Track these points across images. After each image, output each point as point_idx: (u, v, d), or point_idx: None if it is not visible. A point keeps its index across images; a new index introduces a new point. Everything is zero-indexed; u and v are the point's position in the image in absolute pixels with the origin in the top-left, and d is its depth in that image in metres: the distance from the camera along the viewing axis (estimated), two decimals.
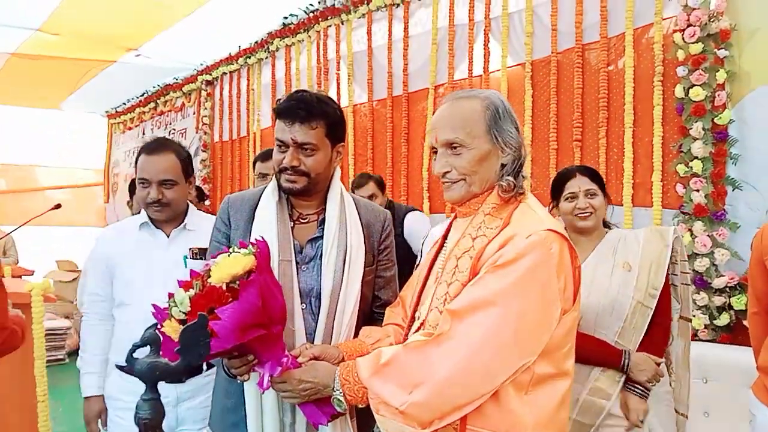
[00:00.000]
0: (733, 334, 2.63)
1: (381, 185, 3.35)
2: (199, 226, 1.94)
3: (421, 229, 3.04)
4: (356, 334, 1.45)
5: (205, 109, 6.50)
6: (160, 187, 1.84)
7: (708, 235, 2.68)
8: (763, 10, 2.66)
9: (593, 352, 1.79)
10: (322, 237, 1.45)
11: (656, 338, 1.85)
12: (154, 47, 5.80)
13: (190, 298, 1.08)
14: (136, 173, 1.90)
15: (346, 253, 1.44)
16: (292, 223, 1.48)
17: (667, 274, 1.84)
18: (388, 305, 1.56)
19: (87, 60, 6.14)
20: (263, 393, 1.28)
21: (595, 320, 1.82)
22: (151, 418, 0.97)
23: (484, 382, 1.05)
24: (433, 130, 1.23)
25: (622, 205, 3.09)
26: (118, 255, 1.90)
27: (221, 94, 6.34)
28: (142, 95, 7.64)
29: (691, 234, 2.74)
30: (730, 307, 2.63)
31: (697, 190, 2.73)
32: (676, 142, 2.87)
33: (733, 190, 2.69)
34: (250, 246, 1.19)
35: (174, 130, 7.18)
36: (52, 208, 3.50)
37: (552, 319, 1.10)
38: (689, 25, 2.77)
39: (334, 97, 4.83)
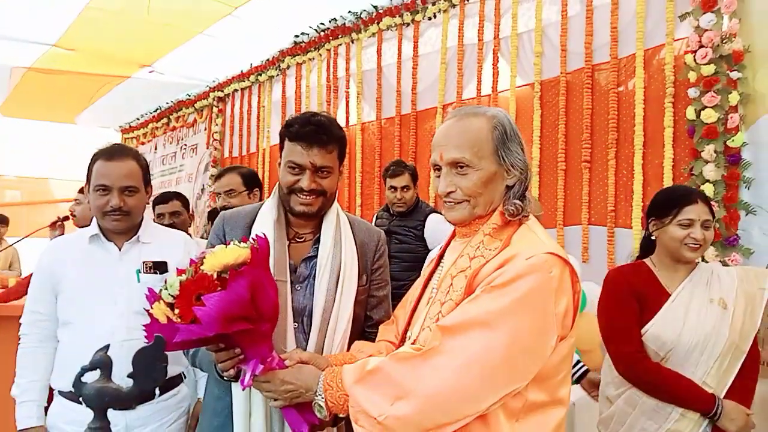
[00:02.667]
0: None
1: (415, 177, 3.22)
2: (155, 238, 1.82)
3: (442, 229, 2.98)
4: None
5: (216, 125, 6.55)
6: (122, 194, 1.71)
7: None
8: None
9: (681, 392, 1.67)
10: (316, 256, 1.44)
11: (747, 385, 1.72)
12: (168, 64, 5.87)
13: (180, 282, 1.06)
14: (88, 181, 1.75)
15: (339, 273, 1.42)
16: (288, 242, 1.46)
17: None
18: (380, 325, 1.53)
19: (101, 75, 6.23)
20: (243, 390, 1.25)
21: (684, 356, 1.69)
22: None
23: (469, 403, 1.01)
24: (437, 146, 1.18)
25: (631, 228, 3.02)
26: (64, 269, 1.74)
27: (232, 111, 6.39)
28: (155, 111, 7.72)
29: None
30: None
31: None
32: (687, 164, 2.81)
33: (746, 215, 2.62)
34: (251, 240, 1.17)
35: (185, 145, 7.23)
36: (58, 221, 3.51)
37: (546, 345, 1.04)
38: (701, 47, 2.73)
39: (343, 115, 4.86)
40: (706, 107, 2.69)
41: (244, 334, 1.12)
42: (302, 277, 1.43)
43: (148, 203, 1.86)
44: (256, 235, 1.22)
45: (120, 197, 1.71)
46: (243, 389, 1.22)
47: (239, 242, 1.17)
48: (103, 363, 0.95)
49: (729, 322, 1.68)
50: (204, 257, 1.12)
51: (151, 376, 0.95)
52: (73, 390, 0.96)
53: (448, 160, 1.15)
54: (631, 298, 1.77)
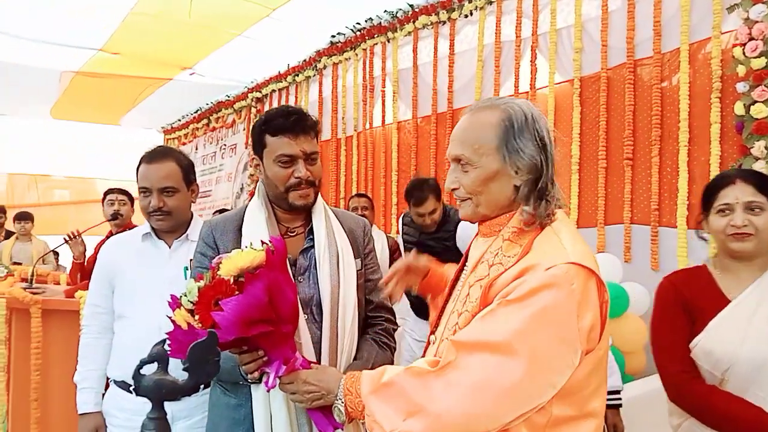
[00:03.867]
0: None
1: (438, 193, 3.01)
2: None
3: (473, 235, 2.94)
4: (358, 350, 1.45)
5: None
6: (161, 195, 1.78)
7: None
8: None
9: (742, 422, 1.37)
10: (312, 247, 1.46)
11: None
12: (208, 66, 6.00)
13: (199, 289, 1.08)
14: (137, 183, 1.83)
15: (338, 258, 1.45)
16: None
17: None
18: (380, 307, 1.56)
19: (145, 78, 6.41)
20: (268, 391, 1.26)
21: (749, 377, 1.38)
22: None
23: (486, 423, 0.97)
24: (450, 140, 1.15)
25: (676, 227, 2.94)
26: (119, 265, 1.83)
27: None
28: (196, 112, 7.90)
29: None
30: None
31: None
32: (735, 161, 2.71)
33: None
34: (265, 243, 1.18)
35: (225, 145, 7.37)
36: (107, 220, 3.63)
37: (568, 361, 0.98)
38: (751, 39, 2.63)
39: (380, 114, 4.87)
40: (756, 102, 2.60)
41: (265, 337, 1.13)
42: (303, 269, 1.45)
43: (194, 201, 1.91)
44: (272, 237, 1.23)
45: (159, 198, 1.78)
46: (268, 390, 1.22)
47: (251, 246, 1.18)
48: (160, 356, 0.99)
49: None
50: (221, 262, 1.13)
51: (204, 370, 0.98)
52: (132, 381, 1.00)
53: (452, 155, 1.11)
54: (678, 310, 1.51)
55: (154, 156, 1.82)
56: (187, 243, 1.85)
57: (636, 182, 3.15)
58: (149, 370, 1.01)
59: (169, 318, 1.10)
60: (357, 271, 1.49)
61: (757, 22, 2.61)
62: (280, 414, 1.33)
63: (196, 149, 8.09)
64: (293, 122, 1.39)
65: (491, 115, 1.09)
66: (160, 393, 0.97)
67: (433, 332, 1.24)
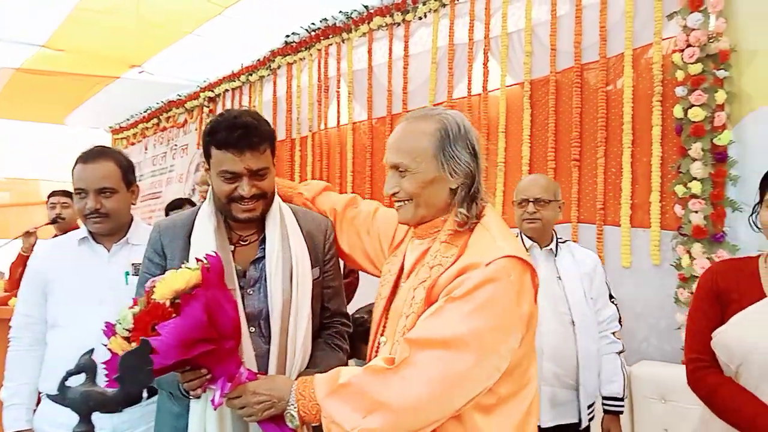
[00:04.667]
0: None
1: None
2: (144, 240, 1.76)
3: None
4: (311, 357, 1.42)
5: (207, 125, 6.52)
6: (98, 196, 1.70)
7: (707, 258, 2.63)
8: (762, 32, 2.64)
9: (744, 417, 1.35)
10: (264, 257, 1.40)
11: None
12: (158, 64, 5.84)
13: (133, 315, 1.04)
14: (73, 184, 1.74)
15: (291, 271, 1.38)
16: (232, 246, 1.41)
17: None
18: (336, 314, 1.54)
19: (91, 76, 6.18)
20: (215, 409, 1.23)
21: (763, 373, 1.35)
22: None
23: (441, 410, 1.04)
24: (386, 149, 1.23)
25: (620, 225, 3.04)
26: (54, 271, 1.73)
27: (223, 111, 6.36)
28: (146, 111, 7.67)
29: (690, 256, 2.69)
30: None
31: (696, 212, 2.69)
32: (674, 162, 2.84)
33: (732, 212, 2.65)
34: (202, 259, 1.15)
35: (176, 146, 7.19)
36: (47, 224, 3.49)
37: (510, 346, 1.07)
38: (689, 46, 2.75)
39: (334, 115, 4.86)
40: (693, 105, 2.72)
41: (208, 355, 1.11)
42: (253, 281, 1.39)
43: (134, 203, 1.84)
44: (207, 255, 1.20)
45: (96, 199, 1.70)
46: (215, 408, 1.20)
47: (187, 263, 1.16)
48: (87, 367, 0.95)
49: None
50: (155, 286, 1.10)
51: (136, 380, 0.95)
52: (57, 393, 0.95)
53: (390, 163, 1.20)
54: (712, 299, 1.49)
55: (90, 156, 1.74)
56: (128, 247, 1.78)
57: (582, 182, 3.26)
58: (76, 381, 0.97)
59: (105, 346, 1.06)
60: (314, 280, 1.44)
61: (694, 29, 2.73)
62: (214, 426, 1.29)
63: (146, 150, 7.86)
64: (237, 138, 1.30)
65: (427, 125, 1.17)
66: (87, 405, 0.94)
67: (381, 333, 1.26)
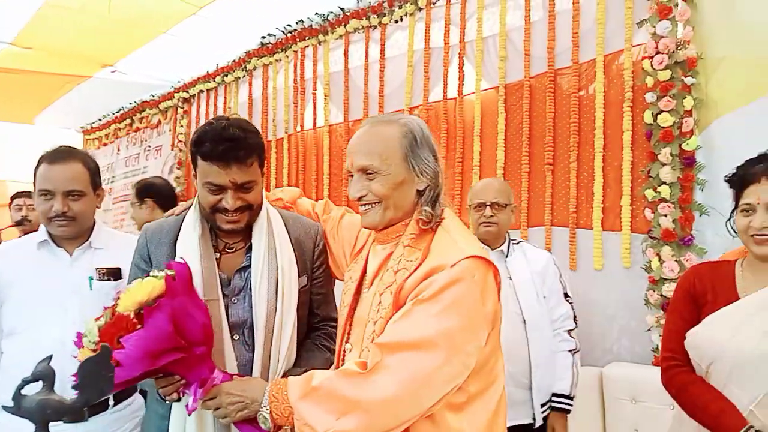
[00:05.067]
0: None
1: None
2: (107, 244, 1.76)
3: None
4: (297, 358, 1.42)
5: (182, 126, 6.43)
6: (66, 198, 1.64)
7: (676, 260, 2.68)
8: (728, 40, 2.71)
9: (709, 415, 1.38)
10: (250, 266, 1.38)
11: None
12: (131, 63, 5.75)
13: (99, 328, 1.03)
14: (35, 185, 1.67)
15: (277, 281, 1.37)
16: (218, 254, 1.40)
17: None
18: (326, 319, 1.54)
19: (61, 75, 6.06)
20: (189, 415, 1.22)
21: (731, 372, 1.37)
22: None
23: (414, 408, 1.05)
24: (350, 153, 1.23)
25: (592, 228, 3.09)
26: (11, 275, 1.66)
27: (198, 112, 6.29)
28: (118, 111, 7.54)
29: (659, 259, 2.74)
30: None
31: (665, 215, 2.74)
32: (644, 167, 2.89)
33: (700, 216, 2.71)
34: (163, 271, 1.14)
35: (149, 147, 7.08)
36: (10, 226, 3.41)
37: (478, 343, 1.10)
38: (658, 53, 2.81)
39: (311, 117, 4.84)
40: (662, 111, 2.78)
41: (178, 363, 1.10)
42: (237, 290, 1.37)
43: (98, 207, 1.79)
44: (173, 262, 1.20)
45: (64, 202, 1.64)
46: (189, 414, 1.20)
47: (159, 269, 1.16)
48: (45, 374, 0.92)
49: None
50: (119, 298, 1.09)
51: (97, 387, 0.93)
52: (13, 403, 0.92)
53: (358, 166, 1.20)
54: (687, 300, 1.53)
55: (58, 156, 1.68)
56: (90, 251, 1.73)
57: (556, 186, 3.30)
58: (32, 390, 0.94)
59: (76, 357, 1.05)
60: (302, 288, 1.42)
61: (662, 37, 2.79)
62: (193, 428, 1.29)
63: (119, 150, 7.72)
64: (223, 151, 1.27)
65: (393, 130, 1.20)
66: (44, 414, 0.90)
67: (347, 340, 1.27)
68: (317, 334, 1.54)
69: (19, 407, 0.90)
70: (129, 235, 1.97)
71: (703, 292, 1.49)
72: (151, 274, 1.15)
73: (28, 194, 3.48)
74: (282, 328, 1.36)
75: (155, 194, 2.59)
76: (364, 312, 1.21)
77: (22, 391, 0.90)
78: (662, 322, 2.69)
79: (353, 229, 1.43)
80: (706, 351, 1.42)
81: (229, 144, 1.28)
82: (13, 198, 3.49)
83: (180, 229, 1.41)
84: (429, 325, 1.06)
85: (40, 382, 0.92)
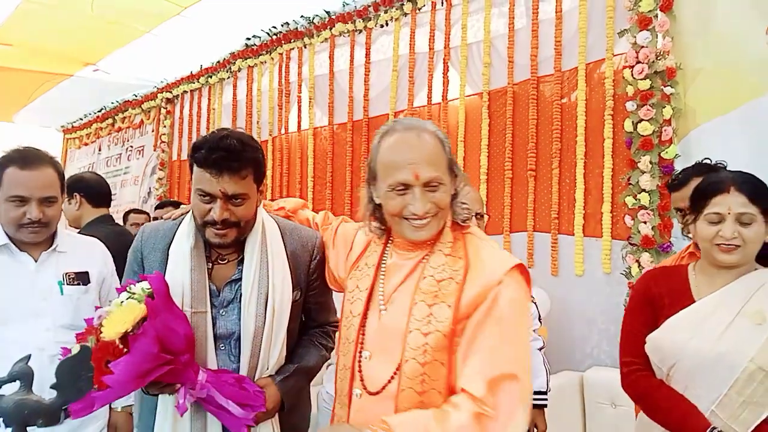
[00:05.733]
0: None
1: None
2: (71, 246, 1.74)
3: None
4: (291, 354, 1.45)
5: (165, 127, 6.38)
6: (41, 205, 1.61)
7: (655, 267, 2.72)
8: (706, 51, 2.77)
9: (673, 418, 1.40)
10: (241, 279, 1.37)
11: None
12: (113, 62, 5.68)
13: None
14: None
15: (268, 295, 1.36)
16: (210, 264, 1.39)
17: None
18: (325, 324, 1.55)
19: (42, 72, 5.96)
20: (182, 416, 1.23)
21: (690, 374, 1.40)
22: None
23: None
24: (409, 164, 1.13)
25: (573, 235, 3.13)
26: None
27: (181, 113, 6.24)
28: (100, 111, 7.45)
29: (639, 265, 2.79)
30: None
31: (645, 222, 2.79)
32: (625, 174, 2.93)
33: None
34: (141, 289, 1.14)
35: (132, 147, 7.01)
36: None
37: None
38: (638, 62, 2.86)
39: (295, 120, 4.83)
40: (642, 120, 2.82)
41: (165, 375, 1.12)
42: (227, 302, 1.36)
43: (61, 210, 1.77)
44: (148, 276, 1.19)
45: (39, 209, 1.60)
46: (181, 415, 1.22)
47: (131, 287, 1.16)
48: (22, 374, 0.91)
49: (761, 343, 1.32)
50: (102, 324, 1.09)
51: (75, 387, 0.92)
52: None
53: (426, 179, 1.13)
54: (644, 304, 1.54)
55: (29, 160, 1.62)
56: (55, 255, 1.69)
57: (538, 192, 3.33)
58: (9, 390, 0.93)
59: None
60: (294, 301, 1.41)
61: (643, 47, 2.84)
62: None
63: (100, 150, 7.63)
64: (216, 159, 1.26)
65: (434, 137, 1.19)
66: (21, 415, 0.89)
67: (361, 349, 1.22)
68: (315, 332, 1.55)
69: None
70: (88, 237, 1.94)
71: (659, 296, 1.51)
72: (128, 289, 1.14)
73: None
74: (272, 343, 1.36)
75: (84, 189, 2.50)
76: (396, 321, 1.17)
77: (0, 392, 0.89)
78: None
79: (348, 237, 1.40)
80: (666, 353, 1.44)
81: (224, 153, 1.27)
82: None
83: (174, 236, 1.41)
84: (514, 350, 1.11)
85: (18, 383, 0.91)
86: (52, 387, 0.92)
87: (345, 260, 1.38)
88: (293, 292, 1.41)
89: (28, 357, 0.96)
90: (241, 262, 1.39)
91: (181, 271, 1.34)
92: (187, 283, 1.32)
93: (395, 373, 1.14)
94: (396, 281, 1.21)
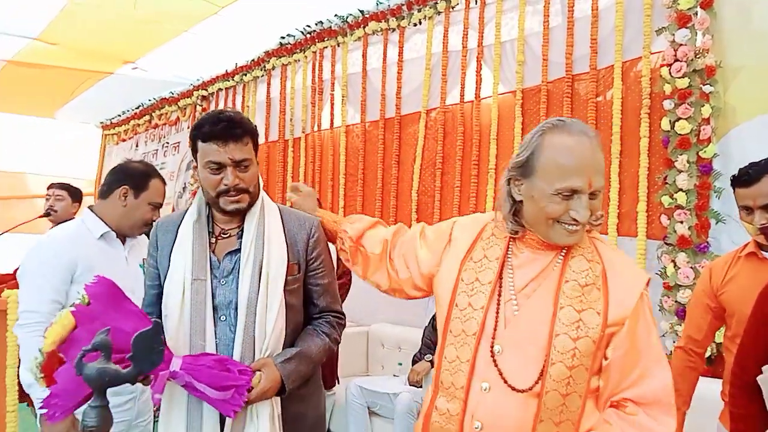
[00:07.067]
0: (714, 366, 2.63)
1: None
2: (142, 236, 2.04)
3: None
4: (289, 343, 1.50)
5: None
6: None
7: (691, 267, 2.70)
8: (747, 49, 2.72)
9: None
10: (240, 250, 1.49)
11: None
12: (152, 61, 5.84)
13: (38, 365, 1.12)
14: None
15: (261, 266, 1.46)
16: (214, 239, 1.51)
17: None
18: (327, 311, 1.60)
19: (83, 71, 6.16)
20: (155, 407, 1.34)
21: None
22: (98, 426, 0.95)
23: None
24: (585, 171, 1.14)
25: (607, 234, 3.11)
26: (83, 260, 1.83)
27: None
28: (137, 108, 7.65)
29: (675, 265, 2.76)
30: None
31: (681, 222, 2.76)
32: (661, 173, 2.90)
33: (716, 223, 2.72)
34: (81, 297, 1.20)
35: (168, 143, 7.18)
36: (40, 216, 3.49)
37: None
38: (676, 60, 2.83)
39: (328, 117, 4.90)
40: (680, 119, 2.79)
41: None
42: (227, 271, 1.48)
43: (125, 206, 1.98)
44: (86, 285, 1.25)
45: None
46: (155, 406, 1.35)
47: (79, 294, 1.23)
48: (103, 345, 0.99)
49: None
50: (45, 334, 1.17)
51: (149, 359, 0.99)
52: (75, 369, 1.00)
53: (597, 187, 1.16)
54: (761, 325, 1.47)
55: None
56: (134, 241, 2.09)
57: None
58: (92, 358, 1.01)
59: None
60: (293, 276, 1.51)
61: (681, 45, 2.81)
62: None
63: (137, 146, 7.84)
64: (221, 129, 1.41)
65: (600, 145, 1.20)
66: (103, 381, 0.98)
67: (492, 344, 1.21)
68: (319, 321, 1.61)
69: (80, 373, 0.97)
70: None
71: None
72: (71, 304, 1.22)
73: (59, 185, 3.59)
74: (267, 310, 1.44)
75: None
76: (537, 321, 1.18)
77: (83, 359, 0.98)
78: (677, 328, 2.71)
79: (442, 232, 1.40)
80: None
81: (226, 123, 1.41)
82: (47, 188, 3.60)
83: (184, 217, 1.56)
84: (658, 359, 1.17)
85: (100, 352, 0.99)
86: (128, 358, 0.99)
87: (441, 254, 1.37)
88: (290, 265, 1.50)
89: (108, 330, 1.03)
90: (241, 235, 1.50)
91: (185, 243, 1.48)
92: (188, 253, 1.46)
93: (542, 373, 1.15)
94: (526, 278, 1.22)
